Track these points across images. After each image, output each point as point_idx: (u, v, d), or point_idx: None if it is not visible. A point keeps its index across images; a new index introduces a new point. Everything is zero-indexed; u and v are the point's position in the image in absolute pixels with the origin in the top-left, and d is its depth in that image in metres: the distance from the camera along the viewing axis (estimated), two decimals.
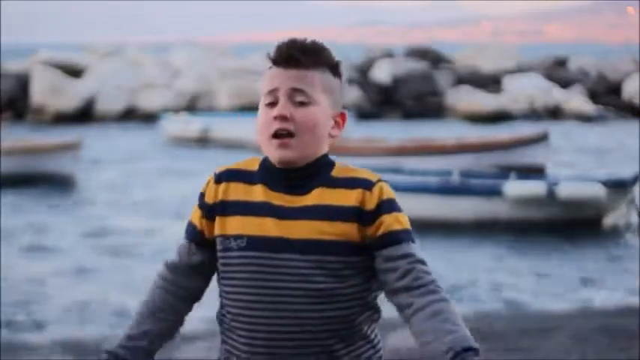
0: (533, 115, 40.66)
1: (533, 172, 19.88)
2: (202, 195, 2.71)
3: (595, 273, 13.15)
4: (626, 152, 27.26)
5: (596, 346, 7.98)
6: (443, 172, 17.27)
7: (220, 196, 2.67)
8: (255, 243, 2.61)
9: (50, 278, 12.76)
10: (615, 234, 15.59)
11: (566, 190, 15.54)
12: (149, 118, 38.15)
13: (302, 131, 2.62)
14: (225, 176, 2.70)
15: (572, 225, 15.58)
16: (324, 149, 2.67)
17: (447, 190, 16.02)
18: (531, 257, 14.07)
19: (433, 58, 47.47)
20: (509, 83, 43.30)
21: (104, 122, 37.47)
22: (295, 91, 2.63)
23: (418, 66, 44.65)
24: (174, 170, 23.84)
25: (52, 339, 9.34)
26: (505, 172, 18.08)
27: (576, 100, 42.34)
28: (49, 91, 39.50)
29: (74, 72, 41.28)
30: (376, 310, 2.67)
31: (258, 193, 2.65)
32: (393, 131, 29.16)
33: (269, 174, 2.66)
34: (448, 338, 2.49)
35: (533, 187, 15.73)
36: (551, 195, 15.56)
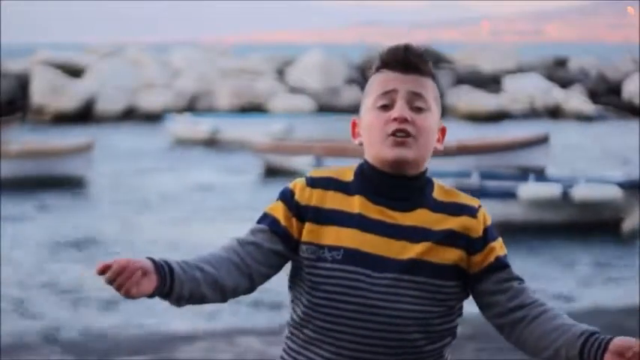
0: (533, 115, 40.67)
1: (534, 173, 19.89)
2: (291, 192, 2.61)
3: (609, 275, 12.96)
4: (626, 152, 27.26)
5: None
6: (462, 173, 17.03)
7: (314, 202, 2.58)
8: (353, 257, 2.53)
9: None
10: (634, 237, 15.18)
11: (582, 192, 15.26)
12: (149, 118, 38.16)
13: (421, 135, 2.57)
14: (322, 182, 2.61)
15: (589, 227, 15.33)
16: (428, 163, 2.64)
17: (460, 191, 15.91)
18: (545, 259, 13.90)
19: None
20: (509, 83, 43.31)
21: (104, 122, 37.44)
22: (414, 95, 2.60)
23: None
24: (189, 173, 23.76)
25: (52, 339, 9.34)
26: (524, 173, 17.89)
27: (576, 100, 42.35)
28: (49, 91, 39.51)
29: (74, 72, 41.29)
30: (454, 335, 2.66)
31: (356, 204, 2.57)
32: None
33: (369, 183, 2.59)
34: (574, 329, 2.53)
35: (548, 189, 15.45)
36: (566, 197, 15.29)
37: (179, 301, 2.47)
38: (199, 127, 30.03)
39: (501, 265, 2.61)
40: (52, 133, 31.25)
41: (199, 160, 26.02)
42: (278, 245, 2.58)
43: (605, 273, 13.16)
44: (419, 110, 2.60)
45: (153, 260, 2.42)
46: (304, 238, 2.57)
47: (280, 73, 44.26)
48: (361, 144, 2.64)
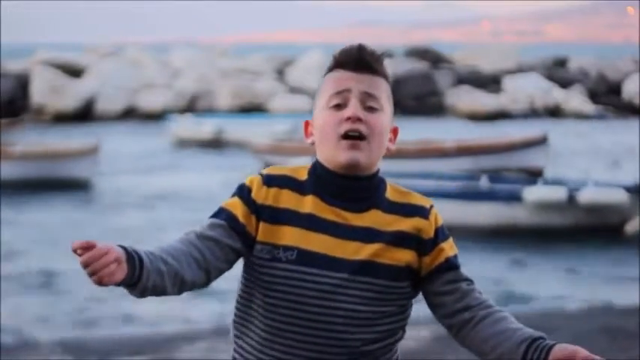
0: (533, 115, 40.67)
1: (532, 174, 19.87)
2: (248, 190, 2.60)
3: (613, 280, 12.88)
4: (626, 151, 27.26)
5: (596, 346, 7.98)
6: (470, 177, 16.90)
7: (270, 201, 2.57)
8: (306, 258, 2.53)
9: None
10: (636, 239, 14.88)
11: (588, 195, 15.08)
12: (149, 118, 38.16)
13: (372, 136, 2.56)
14: (278, 181, 2.61)
15: (595, 231, 15.16)
16: (379, 164, 2.64)
17: (466, 195, 15.63)
18: (550, 263, 13.80)
19: (433, 58, 47.47)
20: (509, 83, 43.30)
21: (104, 122, 37.43)
22: (367, 95, 2.58)
23: (418, 66, 44.66)
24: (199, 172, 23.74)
25: (52, 339, 9.34)
26: (531, 177, 17.78)
27: (576, 100, 42.35)
28: (49, 91, 39.50)
29: (74, 72, 41.29)
30: (404, 330, 2.67)
31: (309, 204, 2.57)
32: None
33: (322, 184, 2.58)
34: (518, 334, 2.53)
35: (554, 193, 15.27)
36: (572, 200, 15.10)
37: (143, 292, 2.44)
38: (202, 127, 29.94)
39: (450, 266, 2.61)
40: (52, 133, 31.23)
41: (202, 160, 26.01)
42: (236, 242, 2.56)
43: (610, 275, 13.07)
44: (372, 110, 2.58)
45: (125, 249, 2.38)
46: (259, 237, 2.56)
47: (280, 73, 44.25)
48: (313, 143, 2.63)
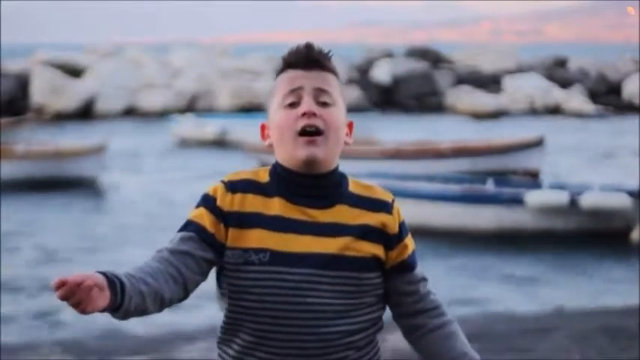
0: (533, 115, 40.70)
1: (529, 176, 19.85)
2: (213, 199, 2.62)
3: (614, 286, 12.81)
4: (626, 151, 27.28)
5: (596, 346, 7.98)
6: (477, 179, 16.78)
7: (236, 207, 2.60)
8: (279, 258, 2.56)
9: None
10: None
11: (590, 199, 14.91)
12: (149, 118, 38.17)
13: (329, 130, 2.60)
14: (241, 186, 2.62)
15: (598, 236, 14.97)
16: (338, 159, 2.66)
17: (467, 198, 15.49)
18: (551, 268, 13.72)
19: (433, 58, 47.48)
20: (509, 83, 43.33)
21: (105, 121, 37.43)
22: (320, 91, 2.62)
23: (418, 66, 44.67)
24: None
25: (52, 339, 9.34)
26: (536, 181, 17.67)
27: (576, 100, 42.38)
28: (49, 91, 39.52)
29: (74, 72, 41.31)
30: (381, 323, 2.72)
31: (276, 205, 2.60)
32: (393, 130, 29.13)
33: (285, 184, 2.62)
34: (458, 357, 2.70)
35: (556, 197, 15.12)
36: (574, 205, 14.95)
37: (125, 315, 2.50)
38: (206, 127, 29.89)
39: (411, 265, 2.68)
40: (54, 132, 31.22)
41: (205, 160, 26.01)
42: (208, 252, 2.59)
43: (612, 281, 12.97)
44: (325, 105, 2.61)
45: (105, 275, 2.41)
46: (229, 243, 2.58)
47: None
48: (271, 145, 2.66)
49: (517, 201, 15.20)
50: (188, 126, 30.45)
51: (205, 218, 2.60)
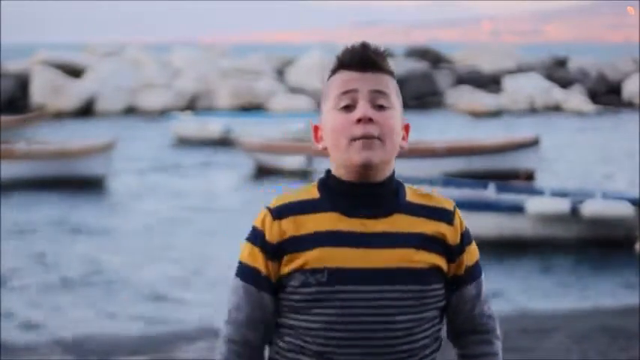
0: (533, 114, 40.68)
1: (526, 177, 19.80)
2: (262, 234, 2.51)
3: (615, 290, 12.70)
4: (626, 151, 27.27)
5: (596, 346, 7.98)
6: (479, 184, 16.67)
7: (289, 233, 2.49)
8: (337, 276, 2.46)
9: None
10: None
11: (592, 208, 14.66)
12: (149, 117, 38.14)
13: (386, 135, 2.49)
14: (287, 211, 2.51)
15: (599, 245, 14.74)
16: (394, 164, 2.56)
17: (467, 205, 15.08)
18: (551, 276, 13.60)
19: (433, 58, 47.47)
20: (509, 83, 43.32)
21: (105, 121, 37.40)
22: (376, 93, 2.51)
23: (418, 66, 44.67)
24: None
25: (52, 339, 9.34)
26: (538, 187, 17.55)
27: (576, 99, 42.37)
28: (49, 91, 39.51)
29: (74, 72, 41.30)
30: (441, 338, 2.62)
31: (330, 221, 2.49)
32: None
33: (339, 197, 2.51)
34: None
35: (557, 205, 14.86)
36: (575, 213, 14.73)
37: None
38: (209, 126, 29.79)
39: (472, 276, 2.59)
40: (57, 132, 31.20)
41: (209, 159, 25.98)
42: (272, 306, 2.53)
43: (613, 290, 12.82)
44: (382, 108, 2.51)
45: None
46: (285, 270, 2.49)
47: (280, 73, 44.26)
48: (325, 148, 2.56)
49: (517, 209, 15.04)
50: (189, 124, 30.41)
51: (258, 259, 2.52)
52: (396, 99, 2.55)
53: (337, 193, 2.51)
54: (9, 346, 8.99)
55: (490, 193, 15.89)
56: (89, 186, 20.84)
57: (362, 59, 2.54)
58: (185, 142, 29.26)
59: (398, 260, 2.48)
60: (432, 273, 2.51)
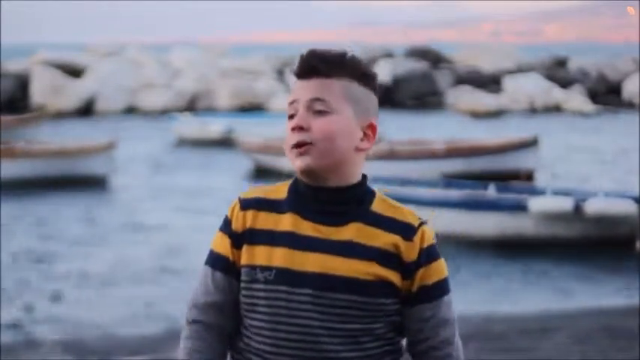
0: (533, 115, 40.70)
1: (524, 177, 19.79)
2: (229, 222, 2.56)
3: (616, 290, 12.66)
4: (624, 151, 27.27)
5: (596, 346, 7.98)
6: (479, 185, 16.65)
7: (249, 224, 2.53)
8: (284, 276, 2.48)
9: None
10: None
11: (595, 206, 14.57)
12: (148, 117, 38.16)
13: (320, 140, 2.49)
14: (254, 204, 2.55)
15: (603, 244, 14.67)
16: (358, 167, 2.55)
17: (469, 204, 15.26)
18: (553, 275, 13.56)
19: (433, 58, 47.48)
20: (509, 83, 43.34)
21: (105, 121, 37.41)
22: (314, 100, 2.52)
23: (418, 66, 44.69)
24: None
25: (52, 339, 9.35)
26: (539, 186, 17.53)
27: (576, 100, 42.39)
28: (49, 91, 39.53)
29: (74, 72, 41.32)
30: (400, 352, 2.58)
31: (287, 222, 2.51)
32: (392, 130, 29.12)
33: (300, 199, 2.53)
34: None
35: (560, 203, 14.80)
36: (578, 211, 14.65)
37: None
38: (210, 127, 29.79)
39: (426, 297, 2.51)
40: (55, 132, 31.21)
41: (211, 159, 25.98)
42: (233, 283, 2.55)
43: (616, 290, 12.79)
44: (320, 113, 2.51)
45: None
46: (242, 261, 2.53)
47: (280, 73, 44.29)
48: None
49: (520, 207, 14.98)
50: (190, 125, 30.41)
51: (225, 245, 2.56)
52: (341, 102, 2.53)
53: (300, 195, 2.54)
54: (9, 345, 8.99)
55: (490, 193, 15.87)
56: (90, 186, 20.86)
57: (303, 67, 2.57)
58: (186, 143, 29.26)
59: (345, 269, 2.46)
60: (380, 286, 2.47)
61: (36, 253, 14.43)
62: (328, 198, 2.51)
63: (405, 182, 16.77)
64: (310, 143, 2.49)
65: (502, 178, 18.49)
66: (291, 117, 2.55)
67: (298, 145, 2.50)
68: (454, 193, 15.95)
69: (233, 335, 2.57)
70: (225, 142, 28.47)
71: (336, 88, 2.54)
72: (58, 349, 8.44)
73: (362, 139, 2.55)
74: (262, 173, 22.48)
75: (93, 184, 20.97)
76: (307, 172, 2.50)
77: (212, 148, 28.18)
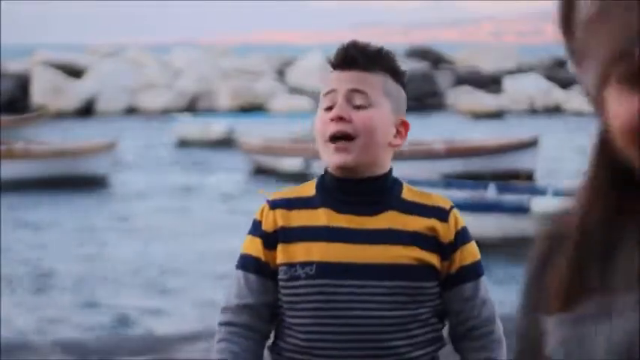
0: (533, 115, 40.72)
1: (524, 178, 19.78)
2: (259, 223, 2.54)
3: None
4: None
5: None
6: (479, 185, 16.64)
7: (281, 223, 2.51)
8: (325, 270, 2.46)
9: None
10: None
11: None
12: (148, 117, 38.16)
13: (361, 134, 2.48)
14: (283, 203, 2.54)
15: None
16: (388, 162, 2.56)
17: (470, 206, 15.07)
18: None
19: (433, 58, 47.50)
20: (509, 83, 43.35)
21: (104, 121, 37.42)
22: (354, 92, 2.51)
23: (418, 66, 44.69)
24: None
25: (52, 339, 9.35)
26: (542, 187, 17.52)
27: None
28: (49, 91, 39.54)
29: (74, 72, 41.32)
30: (442, 339, 2.58)
31: (321, 216, 2.50)
32: None
33: (331, 193, 2.52)
34: None
35: (563, 204, 14.91)
36: None
37: None
38: (211, 127, 29.78)
39: (465, 277, 2.53)
40: (56, 132, 31.23)
41: (211, 159, 25.98)
42: (267, 284, 2.53)
43: None
44: (360, 107, 2.50)
45: None
46: (278, 260, 2.51)
47: (280, 74, 44.29)
48: None
49: (521, 209, 15.03)
50: (190, 125, 30.41)
51: (256, 247, 2.53)
52: (380, 97, 2.53)
53: (330, 190, 2.53)
54: (9, 345, 8.99)
55: (491, 193, 15.86)
56: (90, 186, 20.88)
57: (343, 58, 2.54)
58: (186, 144, 29.26)
59: (386, 256, 2.47)
60: (422, 270, 2.49)
61: (35, 253, 14.45)
62: (360, 189, 2.52)
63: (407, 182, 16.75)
64: (350, 138, 2.48)
65: (502, 179, 18.48)
66: (327, 109, 2.52)
67: (337, 138, 2.48)
68: (455, 194, 15.92)
69: (270, 337, 2.56)
70: (225, 143, 28.47)
71: (375, 82, 2.54)
72: (58, 349, 8.44)
73: (395, 136, 2.57)
74: (262, 173, 22.50)
75: (93, 184, 20.98)
76: (345, 168, 2.49)
77: (212, 148, 28.18)
